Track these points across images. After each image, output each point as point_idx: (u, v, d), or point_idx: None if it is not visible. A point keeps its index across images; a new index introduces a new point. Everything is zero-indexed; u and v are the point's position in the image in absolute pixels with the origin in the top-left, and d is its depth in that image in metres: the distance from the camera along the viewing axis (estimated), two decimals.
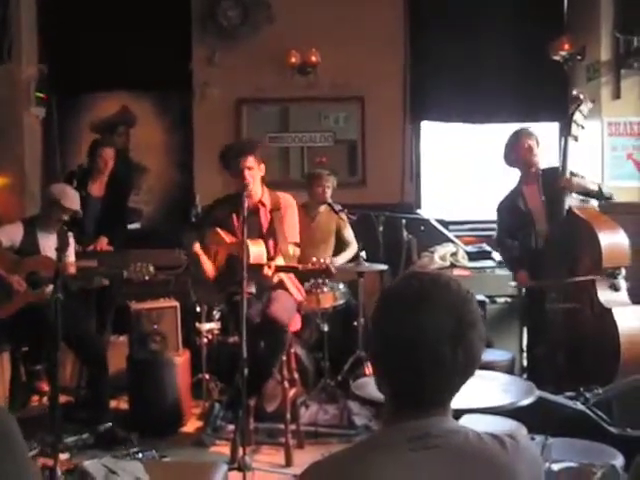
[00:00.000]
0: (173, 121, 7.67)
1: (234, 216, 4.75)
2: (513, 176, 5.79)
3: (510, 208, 5.68)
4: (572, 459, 2.90)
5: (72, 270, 5.17)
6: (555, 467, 2.86)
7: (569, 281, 5.17)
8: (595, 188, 5.42)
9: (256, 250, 4.54)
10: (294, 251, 4.79)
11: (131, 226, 7.26)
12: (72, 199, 5.28)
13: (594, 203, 5.61)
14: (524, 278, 5.54)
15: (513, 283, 5.81)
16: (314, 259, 4.32)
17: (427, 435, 1.52)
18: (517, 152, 5.57)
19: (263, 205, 4.86)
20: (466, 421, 2.84)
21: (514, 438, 1.60)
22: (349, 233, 6.50)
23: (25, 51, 7.14)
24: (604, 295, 5.11)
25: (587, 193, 5.43)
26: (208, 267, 4.83)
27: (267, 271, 4.45)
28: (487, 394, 3.18)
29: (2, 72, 6.94)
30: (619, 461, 3.13)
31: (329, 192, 6.34)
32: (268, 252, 4.70)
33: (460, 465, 1.52)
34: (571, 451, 3.07)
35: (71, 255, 5.37)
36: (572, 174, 5.31)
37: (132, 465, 3.42)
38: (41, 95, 7.27)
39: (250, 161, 4.72)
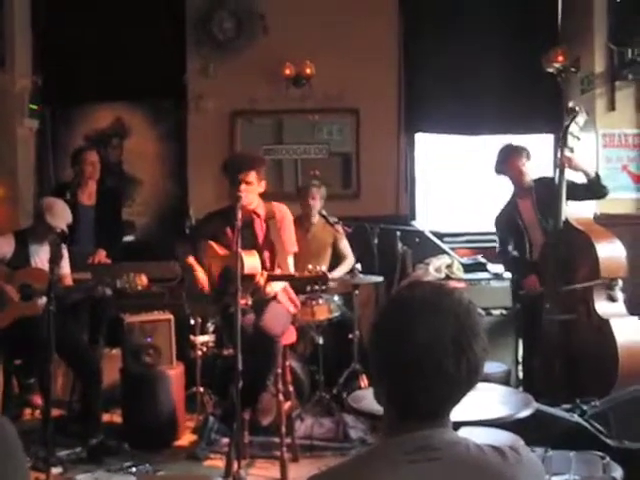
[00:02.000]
0: (167, 133, 7.64)
1: (228, 229, 4.71)
2: (507, 188, 5.81)
3: (507, 222, 5.71)
4: (574, 471, 2.87)
5: (68, 281, 5.12)
6: None
7: (570, 288, 5.15)
8: (593, 174, 5.42)
9: (250, 261, 4.52)
10: (291, 261, 4.78)
11: (125, 238, 7.22)
12: (59, 217, 5.16)
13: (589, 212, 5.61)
14: (535, 282, 5.50)
15: (522, 291, 5.77)
16: (310, 267, 4.29)
17: (427, 447, 1.50)
18: (506, 172, 5.64)
19: (257, 216, 4.83)
20: (463, 434, 2.82)
21: (516, 450, 1.57)
22: (345, 246, 6.48)
23: (18, 63, 7.12)
24: (601, 306, 5.10)
25: (585, 174, 5.42)
26: (202, 278, 4.80)
27: (259, 278, 4.42)
28: (485, 406, 3.16)
29: None
30: (618, 473, 3.10)
31: (317, 203, 6.33)
32: (264, 263, 4.67)
33: (461, 476, 1.49)
34: (574, 463, 3.03)
35: (65, 267, 5.33)
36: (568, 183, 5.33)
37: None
38: (35, 107, 7.25)
39: (251, 176, 4.69)
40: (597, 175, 5.46)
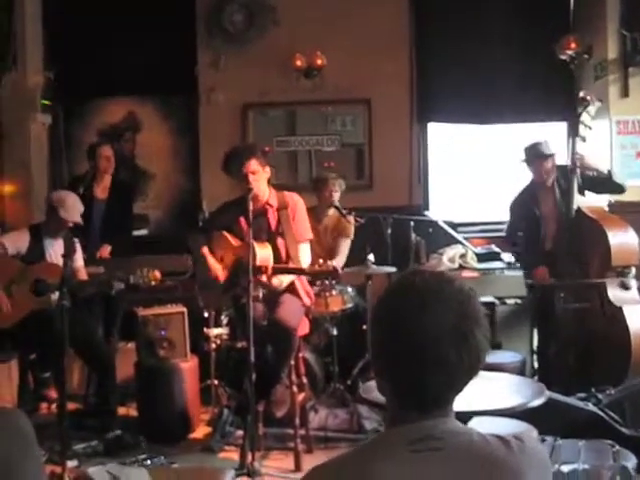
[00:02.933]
0: (179, 126, 7.66)
1: (241, 219, 4.70)
2: (521, 176, 5.78)
3: (522, 210, 5.67)
4: (583, 460, 2.86)
5: (83, 276, 5.14)
6: (565, 468, 2.82)
7: (585, 282, 5.13)
8: (605, 172, 5.39)
9: (263, 253, 4.51)
10: (306, 249, 4.76)
11: (138, 232, 7.24)
12: (72, 209, 5.22)
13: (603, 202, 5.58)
14: (544, 274, 5.47)
15: (530, 281, 5.75)
16: (320, 261, 4.28)
17: (430, 437, 1.49)
18: (532, 172, 5.58)
19: (270, 206, 4.82)
20: (476, 424, 2.81)
21: (520, 439, 1.56)
22: (344, 244, 6.37)
23: (31, 59, 7.16)
24: (614, 294, 5.08)
25: (597, 172, 5.39)
26: (216, 267, 4.80)
27: (261, 276, 4.42)
28: (497, 396, 3.14)
29: (8, 80, 6.96)
30: (632, 462, 3.08)
31: (336, 195, 6.30)
32: (279, 252, 4.67)
33: (464, 466, 1.48)
34: (583, 452, 3.02)
35: (79, 261, 5.35)
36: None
37: (137, 472, 3.40)
38: (47, 102, 7.28)
39: (253, 164, 4.67)
40: (609, 173, 5.41)
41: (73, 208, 5.23)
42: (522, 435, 1.58)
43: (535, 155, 5.56)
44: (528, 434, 1.97)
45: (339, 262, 6.20)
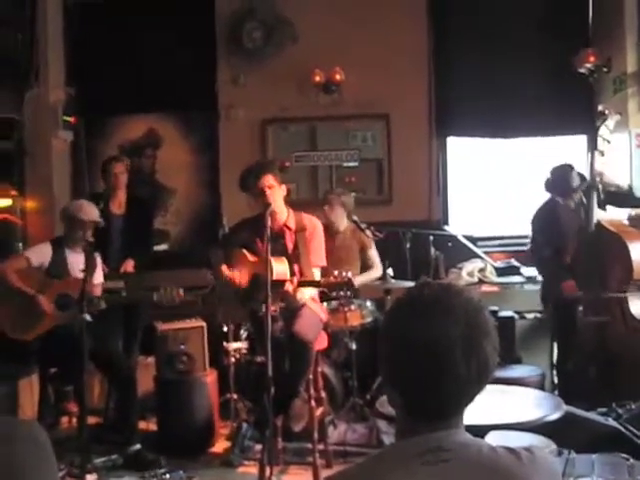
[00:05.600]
0: (199, 142, 7.71)
1: (258, 240, 4.71)
2: (539, 190, 5.77)
3: (545, 221, 5.66)
4: (598, 474, 2.84)
5: (98, 291, 5.16)
6: None
7: (609, 295, 5.10)
8: (625, 186, 5.38)
9: (280, 268, 4.52)
10: (318, 274, 4.76)
11: (158, 247, 7.28)
12: (88, 211, 5.28)
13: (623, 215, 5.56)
14: (573, 286, 5.45)
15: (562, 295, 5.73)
16: (335, 272, 4.27)
17: (439, 449, 1.49)
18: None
19: (289, 229, 4.83)
20: (494, 438, 2.80)
21: (530, 451, 1.55)
22: (373, 254, 6.41)
23: (52, 75, 7.21)
24: (636, 307, 5.04)
25: (617, 188, 5.37)
26: (236, 275, 4.77)
27: (288, 286, 4.41)
28: (514, 409, 3.13)
29: (30, 96, 7.03)
30: None
31: (339, 212, 6.29)
32: (293, 274, 4.66)
33: (474, 478, 1.48)
34: (598, 466, 3.00)
35: (99, 276, 5.38)
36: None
37: None
38: (69, 118, 7.33)
39: (269, 179, 4.69)
40: (630, 188, 5.40)
41: (89, 210, 5.30)
42: (532, 447, 1.57)
43: (565, 189, 5.56)
44: (540, 446, 1.95)
45: (378, 271, 6.22)
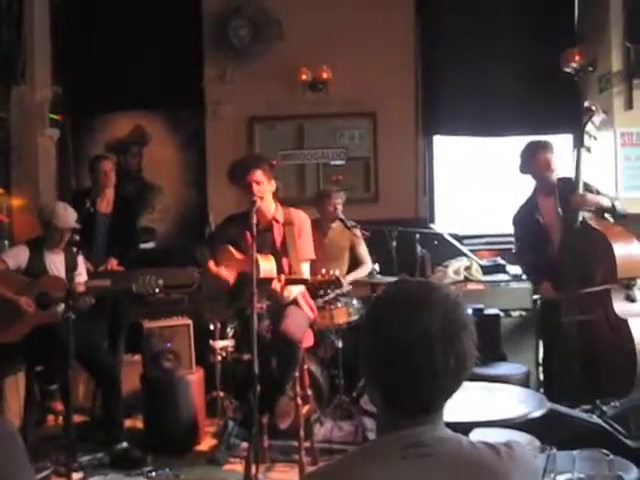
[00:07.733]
0: (186, 139, 7.70)
1: (247, 234, 4.70)
2: (527, 188, 5.76)
3: (526, 220, 5.63)
4: (578, 470, 2.86)
5: (81, 289, 5.13)
6: (560, 478, 2.83)
7: (587, 291, 5.11)
8: (609, 204, 5.34)
9: (267, 266, 4.52)
10: (307, 268, 4.76)
11: (145, 245, 7.27)
12: (63, 217, 5.20)
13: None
14: (547, 288, 5.47)
15: (536, 296, 5.75)
16: (323, 271, 4.27)
17: (418, 444, 1.50)
18: (533, 166, 5.48)
19: (277, 222, 4.83)
20: (478, 435, 2.81)
21: (509, 446, 1.57)
22: (363, 250, 6.45)
23: (39, 73, 7.20)
24: (619, 306, 5.05)
25: (601, 210, 5.36)
26: (224, 273, 4.77)
27: (275, 284, 4.40)
28: (498, 406, 3.15)
29: (16, 94, 7.00)
30: (633, 474, 3.08)
31: (340, 208, 6.32)
32: (282, 268, 4.67)
33: (452, 473, 1.49)
34: (578, 462, 3.02)
35: (82, 274, 5.36)
36: (586, 187, 5.26)
37: None
38: (55, 116, 7.32)
39: (258, 175, 4.67)
40: (613, 205, 5.37)
41: (65, 215, 5.22)
42: (511, 442, 1.59)
43: (533, 150, 5.50)
44: (519, 442, 1.96)
45: (369, 268, 6.25)
